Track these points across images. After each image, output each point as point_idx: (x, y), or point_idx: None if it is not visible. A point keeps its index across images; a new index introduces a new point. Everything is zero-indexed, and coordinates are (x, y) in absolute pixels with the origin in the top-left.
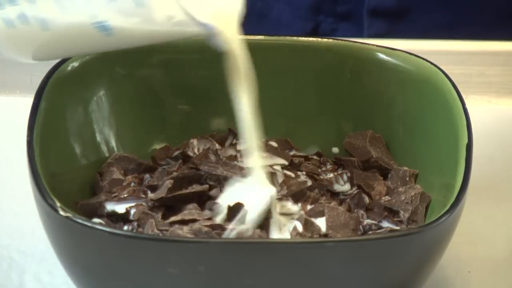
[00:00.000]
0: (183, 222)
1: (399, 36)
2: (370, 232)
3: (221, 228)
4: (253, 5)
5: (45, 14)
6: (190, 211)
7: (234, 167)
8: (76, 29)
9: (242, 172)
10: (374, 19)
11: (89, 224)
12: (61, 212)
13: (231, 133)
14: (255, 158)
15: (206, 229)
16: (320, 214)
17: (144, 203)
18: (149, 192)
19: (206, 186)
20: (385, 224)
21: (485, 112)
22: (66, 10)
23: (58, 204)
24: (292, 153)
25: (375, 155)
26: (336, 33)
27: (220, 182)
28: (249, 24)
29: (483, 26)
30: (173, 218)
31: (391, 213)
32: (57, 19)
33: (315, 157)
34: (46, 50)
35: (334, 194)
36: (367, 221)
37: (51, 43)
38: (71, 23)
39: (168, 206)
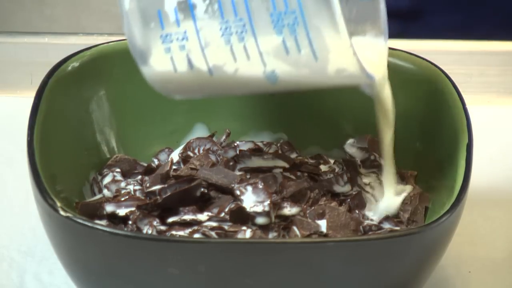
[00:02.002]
0: (182, 225)
1: (411, 38)
2: (370, 233)
3: (220, 229)
4: None
5: (214, 62)
6: (188, 213)
7: (228, 175)
8: (243, 77)
9: (236, 180)
10: (387, 20)
11: (89, 224)
12: (62, 212)
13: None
14: (391, 184)
15: (205, 231)
16: (321, 216)
17: (143, 205)
18: (148, 193)
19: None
20: (386, 225)
21: (485, 112)
22: (237, 59)
23: (58, 204)
24: (293, 155)
25: (374, 156)
26: None
27: (216, 188)
28: None
29: (496, 27)
30: (171, 220)
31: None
32: (226, 66)
33: (315, 158)
34: (203, 91)
35: (334, 195)
36: (367, 222)
37: (211, 86)
38: (239, 71)
39: (167, 209)
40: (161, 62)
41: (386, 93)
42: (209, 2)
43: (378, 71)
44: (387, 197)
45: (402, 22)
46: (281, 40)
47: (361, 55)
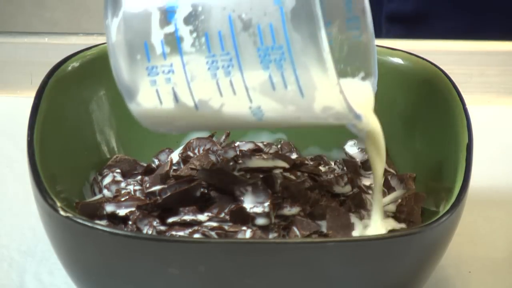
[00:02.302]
0: (182, 225)
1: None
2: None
3: (221, 229)
4: None
5: (200, 96)
6: (188, 213)
7: (228, 176)
8: (229, 112)
9: (235, 179)
10: (391, 24)
11: (89, 224)
12: (62, 212)
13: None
14: (378, 216)
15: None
16: (321, 216)
17: (143, 205)
18: (148, 194)
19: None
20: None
21: (485, 112)
22: (223, 94)
23: (58, 204)
24: (293, 156)
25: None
26: None
27: (216, 188)
28: None
29: (501, 31)
30: (171, 220)
31: (388, 215)
32: (211, 100)
33: (315, 159)
34: (188, 126)
35: (334, 195)
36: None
37: (196, 121)
38: (225, 106)
39: (167, 209)
40: (147, 95)
41: (377, 131)
42: (196, 36)
43: (366, 111)
44: (373, 228)
45: (406, 26)
46: (267, 75)
47: (348, 94)
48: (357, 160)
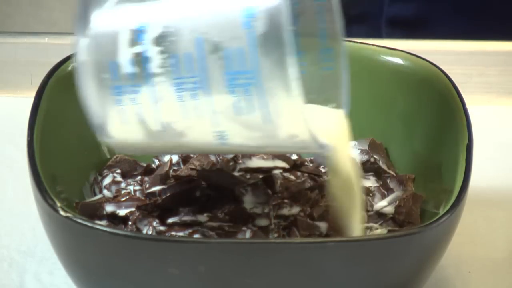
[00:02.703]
0: (182, 226)
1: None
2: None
3: (221, 229)
4: None
5: (165, 118)
6: (188, 214)
7: (228, 177)
8: (194, 136)
9: (235, 180)
10: (392, 28)
11: (89, 224)
12: (62, 212)
13: None
14: None
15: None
16: (321, 217)
17: (143, 206)
18: (148, 194)
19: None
20: (387, 228)
21: (485, 112)
22: (188, 117)
23: (58, 204)
24: (294, 156)
25: (374, 158)
26: (349, 36)
27: (217, 189)
28: None
29: (501, 35)
30: (171, 220)
31: (386, 217)
32: (177, 123)
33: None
34: (153, 148)
35: None
36: (370, 225)
37: (161, 143)
38: (190, 129)
39: (167, 209)
40: (112, 115)
41: (345, 168)
42: (165, 57)
43: (336, 142)
44: None
45: (407, 30)
46: (234, 100)
47: (317, 123)
48: (357, 161)
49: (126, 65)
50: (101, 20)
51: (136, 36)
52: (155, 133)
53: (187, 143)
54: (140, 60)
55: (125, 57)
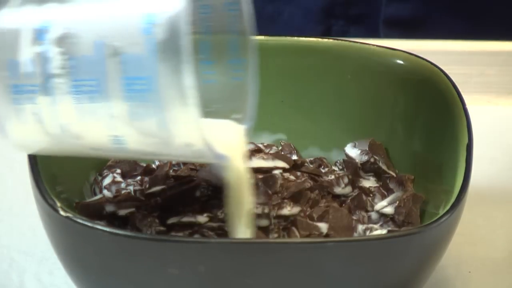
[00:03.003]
0: (182, 227)
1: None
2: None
3: (221, 230)
4: (263, 9)
5: (62, 120)
6: (188, 214)
7: None
8: (91, 139)
9: None
10: (389, 28)
11: (89, 224)
12: (62, 212)
13: None
14: None
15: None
16: (321, 217)
17: (143, 206)
18: (148, 195)
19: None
20: (387, 228)
21: (485, 112)
22: (85, 119)
23: (58, 204)
24: (294, 157)
25: (374, 159)
26: (348, 36)
27: (216, 190)
28: (260, 28)
29: (499, 35)
30: (171, 221)
31: (386, 218)
32: (73, 125)
33: (315, 162)
34: (50, 147)
35: (334, 196)
36: (370, 225)
37: (60, 145)
38: (87, 132)
39: (167, 210)
40: (10, 114)
41: (238, 179)
42: (66, 58)
43: (233, 153)
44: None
45: (404, 31)
46: (130, 105)
47: (215, 133)
48: (357, 161)
49: (26, 64)
50: (3, 18)
51: (38, 36)
52: (53, 135)
53: (85, 146)
54: (41, 60)
55: (25, 55)
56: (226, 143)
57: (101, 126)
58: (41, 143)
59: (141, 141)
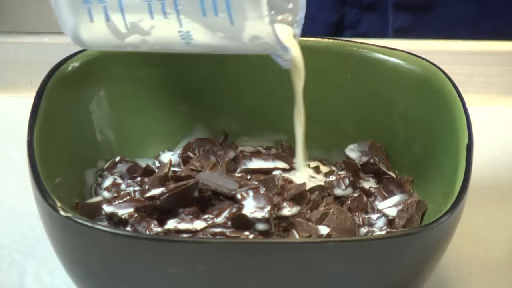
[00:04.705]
0: (181, 232)
1: (423, 30)
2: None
3: (222, 235)
4: None
5: (131, 17)
6: (187, 216)
7: (228, 183)
8: (159, 35)
9: (235, 186)
10: (399, 12)
11: (89, 224)
12: (62, 212)
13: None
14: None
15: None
16: (321, 219)
17: (142, 207)
18: (147, 195)
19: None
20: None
21: (485, 112)
22: (154, 17)
23: (58, 204)
24: (294, 159)
25: (374, 160)
26: (361, 24)
27: (215, 194)
28: None
29: (508, 19)
30: (168, 226)
31: (386, 221)
32: (143, 23)
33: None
34: (120, 45)
35: (335, 197)
36: (371, 229)
37: (127, 41)
38: (155, 29)
39: (166, 211)
40: (81, 13)
41: (300, 59)
42: None
43: (292, 45)
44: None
45: (414, 14)
46: (199, 1)
47: (277, 29)
48: (357, 162)
49: None
50: None
51: None
52: (123, 31)
53: (153, 42)
54: None
55: None
56: (284, 38)
57: (169, 22)
58: (110, 40)
59: (209, 36)
